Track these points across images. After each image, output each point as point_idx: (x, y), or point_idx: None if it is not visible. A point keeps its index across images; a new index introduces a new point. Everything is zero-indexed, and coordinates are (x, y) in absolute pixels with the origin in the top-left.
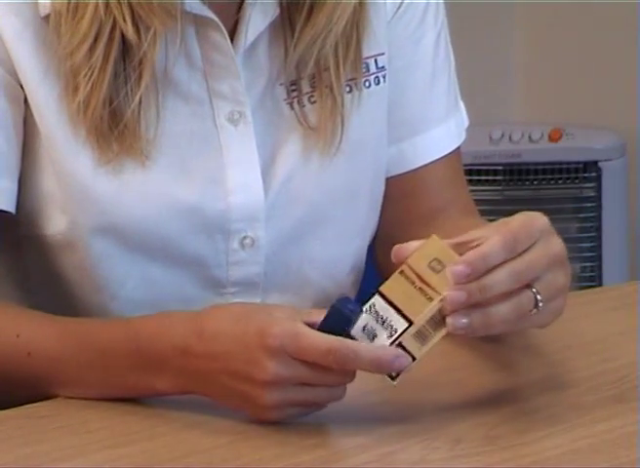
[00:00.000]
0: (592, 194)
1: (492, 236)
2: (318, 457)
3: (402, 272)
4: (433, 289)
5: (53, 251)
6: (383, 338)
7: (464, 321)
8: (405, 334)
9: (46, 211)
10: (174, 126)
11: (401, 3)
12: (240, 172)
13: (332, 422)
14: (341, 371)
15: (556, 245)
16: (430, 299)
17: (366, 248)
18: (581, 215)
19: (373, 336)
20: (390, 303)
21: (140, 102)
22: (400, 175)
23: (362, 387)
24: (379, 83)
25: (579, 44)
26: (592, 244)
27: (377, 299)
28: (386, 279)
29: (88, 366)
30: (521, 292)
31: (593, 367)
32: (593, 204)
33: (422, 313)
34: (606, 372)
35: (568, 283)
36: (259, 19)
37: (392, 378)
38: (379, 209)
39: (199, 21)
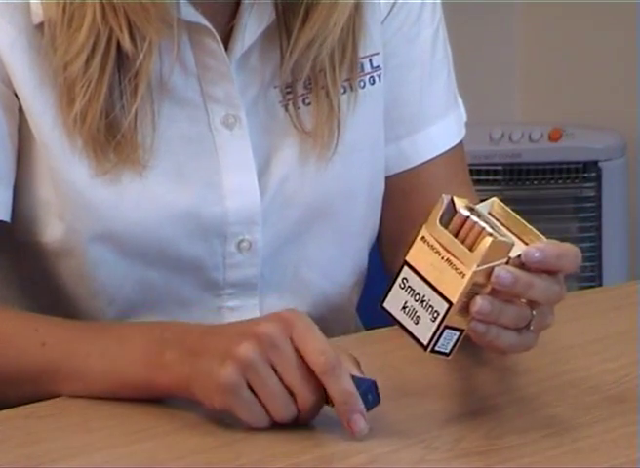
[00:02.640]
0: (592, 194)
1: (559, 245)
2: (318, 457)
3: (423, 239)
4: (460, 260)
5: (50, 257)
6: (427, 321)
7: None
8: (448, 317)
9: (43, 218)
10: (169, 131)
11: (394, 3)
12: (236, 175)
13: (332, 422)
14: (312, 388)
15: (565, 289)
16: (462, 274)
17: (367, 249)
18: (581, 215)
19: (416, 319)
20: (422, 277)
21: (136, 114)
22: (400, 173)
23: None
24: (374, 83)
25: (579, 44)
26: (592, 244)
27: (407, 272)
28: (409, 247)
29: (99, 354)
30: (523, 307)
31: (593, 367)
32: (593, 204)
33: (459, 293)
34: (606, 372)
35: (551, 325)
36: (254, 24)
37: (447, 354)
38: (378, 208)
39: (193, 28)
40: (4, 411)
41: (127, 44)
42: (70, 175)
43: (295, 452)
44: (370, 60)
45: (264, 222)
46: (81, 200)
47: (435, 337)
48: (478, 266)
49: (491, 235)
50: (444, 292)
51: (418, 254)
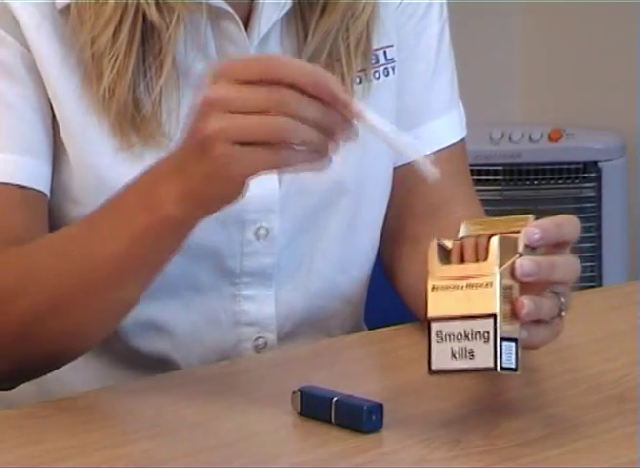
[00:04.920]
0: (592, 194)
1: (553, 218)
2: (318, 457)
3: (434, 288)
4: (480, 274)
5: None
6: (483, 347)
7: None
8: (499, 329)
9: (59, 203)
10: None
11: None
12: None
13: (332, 423)
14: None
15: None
16: (489, 284)
17: (377, 242)
18: (581, 215)
19: (471, 355)
20: (454, 318)
21: (161, 90)
22: (402, 166)
23: (362, 388)
24: (388, 75)
25: (578, 44)
26: (592, 244)
27: (436, 326)
28: (426, 307)
29: (101, 216)
30: (552, 296)
31: (593, 366)
32: (593, 204)
33: (495, 301)
34: (606, 372)
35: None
36: (271, 9)
37: (515, 369)
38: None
39: (214, 13)
40: (4, 411)
41: (154, 16)
42: (93, 154)
43: (295, 452)
44: (385, 52)
45: (282, 210)
46: (102, 182)
47: (498, 353)
48: (499, 267)
49: (494, 234)
50: (482, 312)
51: (436, 304)
